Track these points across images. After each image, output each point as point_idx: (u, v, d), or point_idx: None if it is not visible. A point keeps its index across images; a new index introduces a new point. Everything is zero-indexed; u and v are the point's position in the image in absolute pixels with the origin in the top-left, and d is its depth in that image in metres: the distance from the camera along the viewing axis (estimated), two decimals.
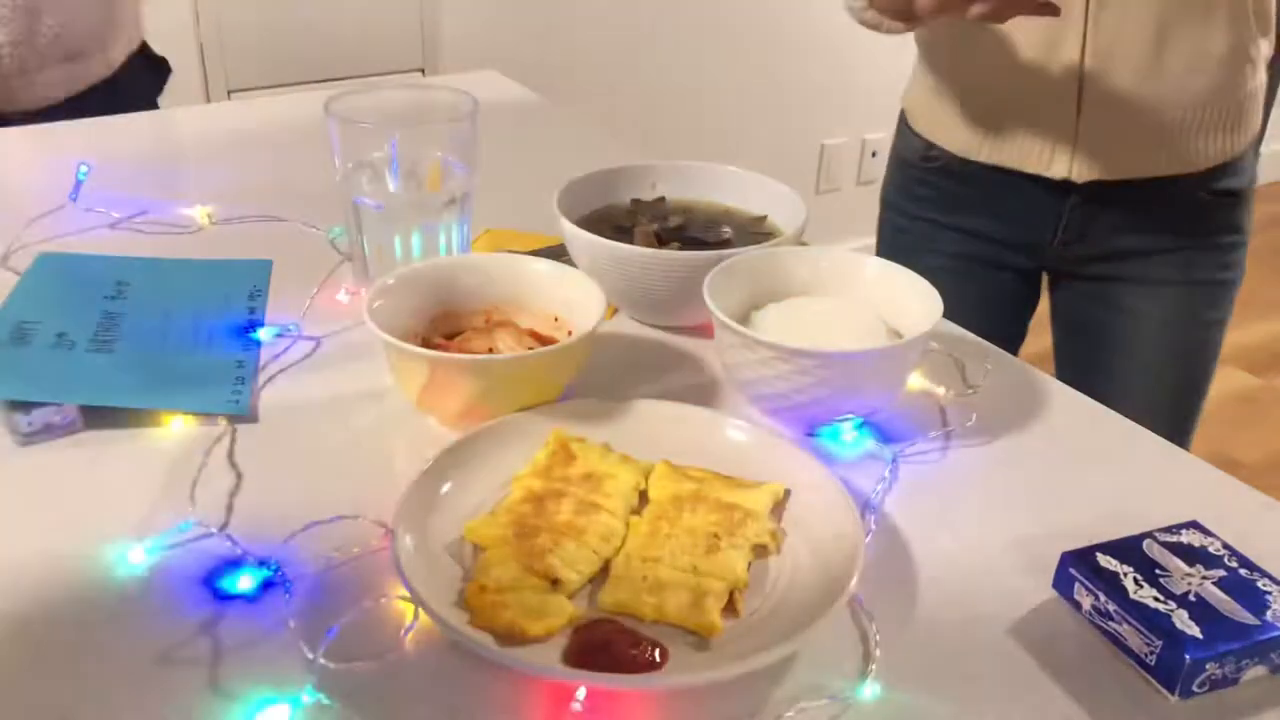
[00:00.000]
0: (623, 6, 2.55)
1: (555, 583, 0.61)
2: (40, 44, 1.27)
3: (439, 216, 0.86)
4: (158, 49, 1.47)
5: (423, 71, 2.35)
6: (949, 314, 0.86)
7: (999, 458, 0.76)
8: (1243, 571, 0.61)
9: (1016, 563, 0.67)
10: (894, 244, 1.32)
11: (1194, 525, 0.65)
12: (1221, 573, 0.61)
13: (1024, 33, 1.09)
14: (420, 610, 0.58)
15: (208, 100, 2.11)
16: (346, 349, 0.85)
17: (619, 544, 0.64)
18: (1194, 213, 1.16)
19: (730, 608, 0.60)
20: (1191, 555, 0.62)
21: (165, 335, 0.84)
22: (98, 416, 0.75)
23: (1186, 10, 1.04)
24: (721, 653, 0.58)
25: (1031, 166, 1.15)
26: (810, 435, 0.77)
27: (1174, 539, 0.63)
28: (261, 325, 0.86)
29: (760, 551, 0.65)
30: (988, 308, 1.15)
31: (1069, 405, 0.82)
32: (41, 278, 0.91)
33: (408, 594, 0.58)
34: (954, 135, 1.21)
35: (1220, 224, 1.17)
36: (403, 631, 0.59)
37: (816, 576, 0.62)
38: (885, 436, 0.77)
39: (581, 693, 0.54)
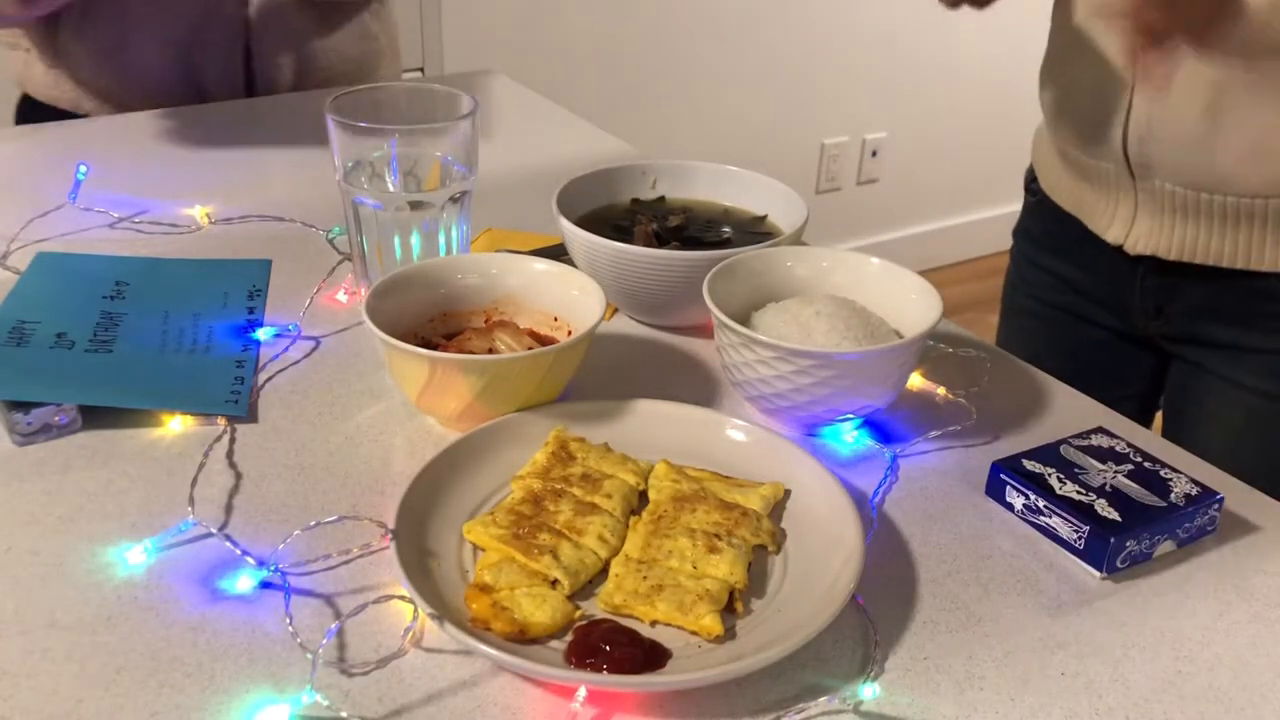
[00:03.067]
0: (623, 6, 2.55)
1: (555, 583, 0.61)
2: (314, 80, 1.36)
3: (439, 216, 0.86)
4: None
5: (423, 71, 2.35)
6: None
7: (999, 457, 0.76)
8: (1146, 465, 0.70)
9: (1016, 563, 0.67)
10: (1011, 280, 1.22)
11: (1101, 430, 0.73)
12: (1130, 467, 0.70)
13: (1086, 74, 0.98)
14: (420, 610, 0.58)
15: None
16: (346, 349, 0.85)
17: (619, 544, 0.64)
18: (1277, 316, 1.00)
19: (730, 608, 0.61)
20: (1102, 455, 0.71)
21: (164, 335, 0.84)
22: (97, 416, 0.75)
23: (1245, 91, 0.90)
24: (722, 653, 0.58)
25: (1094, 225, 1.04)
26: (810, 435, 0.77)
27: (1086, 443, 0.72)
28: (261, 325, 0.86)
29: (760, 551, 0.65)
30: (1078, 361, 0.97)
31: (1069, 405, 0.82)
32: (40, 277, 0.91)
33: (407, 594, 0.58)
34: (1046, 171, 1.11)
35: None
36: (402, 631, 0.59)
37: (816, 576, 0.62)
38: (885, 436, 0.77)
39: (582, 693, 0.54)
